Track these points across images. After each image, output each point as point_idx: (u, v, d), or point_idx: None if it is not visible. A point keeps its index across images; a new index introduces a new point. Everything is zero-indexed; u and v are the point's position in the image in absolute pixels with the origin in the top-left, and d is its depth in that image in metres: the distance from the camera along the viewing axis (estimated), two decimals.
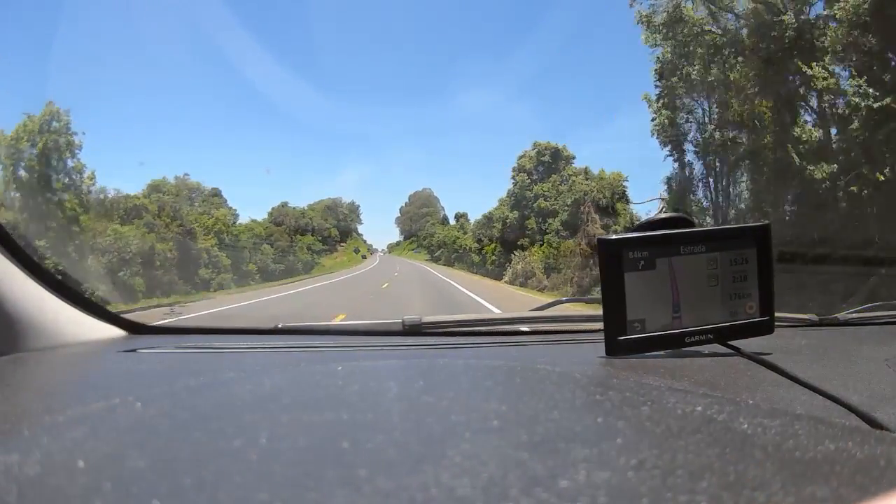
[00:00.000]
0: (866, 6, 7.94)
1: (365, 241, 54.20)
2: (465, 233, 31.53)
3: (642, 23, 11.75)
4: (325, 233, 46.49)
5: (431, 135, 46.81)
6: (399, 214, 59.45)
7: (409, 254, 53.90)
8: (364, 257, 49.07)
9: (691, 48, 11.41)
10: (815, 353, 0.93)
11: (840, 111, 9.02)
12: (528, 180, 23.36)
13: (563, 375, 0.57)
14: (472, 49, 47.29)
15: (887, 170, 7.95)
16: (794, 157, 8.95)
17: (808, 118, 9.88)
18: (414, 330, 1.11)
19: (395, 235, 50.74)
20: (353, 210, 61.49)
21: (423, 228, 52.35)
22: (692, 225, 0.82)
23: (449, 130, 46.09)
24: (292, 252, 35.34)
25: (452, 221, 40.66)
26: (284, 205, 36.74)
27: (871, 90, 7.84)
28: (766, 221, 0.85)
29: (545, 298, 6.64)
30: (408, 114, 47.96)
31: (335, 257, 48.12)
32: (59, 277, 1.00)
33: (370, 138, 49.92)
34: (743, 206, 12.10)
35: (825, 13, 9.06)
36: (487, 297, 12.09)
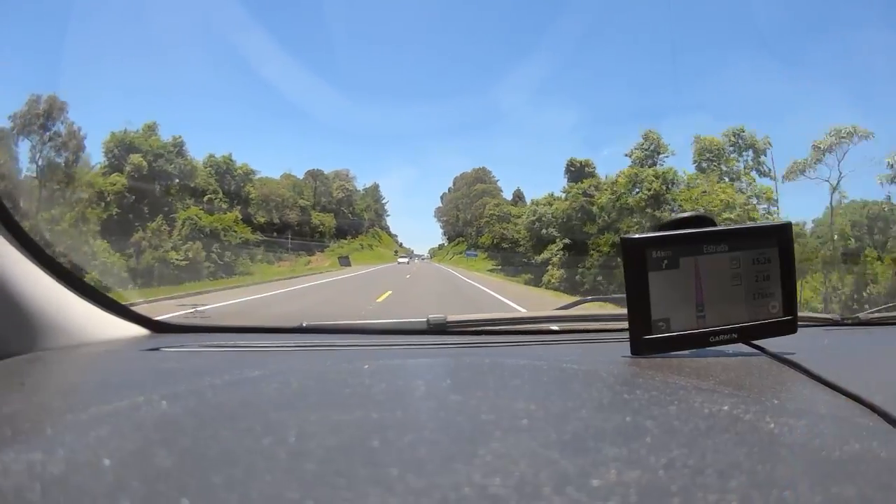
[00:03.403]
0: None
1: (400, 244, 43.55)
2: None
3: None
4: (286, 216, 23.36)
5: (474, 134, 46.54)
6: (440, 204, 43.86)
7: (456, 259, 36.05)
8: (347, 264, 26.98)
9: None
10: (837, 353, 0.94)
11: None
12: None
13: (589, 374, 0.58)
14: (512, 42, 43.69)
15: None
16: None
17: None
18: (439, 329, 1.11)
19: (439, 237, 42.87)
20: (372, 194, 39.63)
21: (478, 218, 32.41)
22: (714, 224, 0.81)
23: (492, 129, 43.28)
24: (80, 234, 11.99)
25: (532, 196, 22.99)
26: (150, 131, 16.30)
27: None
28: (788, 220, 0.85)
29: None
30: (447, 113, 46.83)
31: (306, 261, 24.62)
32: (80, 275, 0.98)
33: (409, 140, 48.88)
34: None
35: None
36: None
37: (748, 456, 0.33)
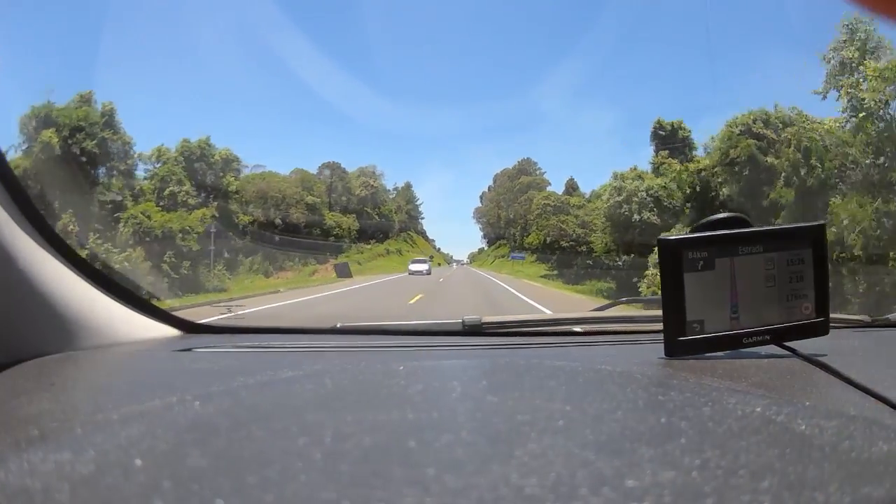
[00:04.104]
0: None
1: (437, 248, 40.96)
2: None
3: None
4: (290, 216, 18.33)
5: (513, 137, 44.71)
6: (479, 204, 40.54)
7: (498, 264, 31.40)
8: (346, 274, 20.89)
9: None
10: (867, 355, 0.94)
11: None
12: None
13: (624, 376, 0.58)
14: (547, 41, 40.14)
15: None
16: None
17: None
18: (474, 330, 1.11)
19: (479, 241, 41.41)
20: (404, 195, 35.00)
21: (524, 215, 27.83)
22: (749, 225, 0.81)
23: (531, 131, 42.56)
24: None
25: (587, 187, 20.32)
26: (83, 102, 12.15)
27: None
28: (822, 221, 0.85)
29: None
30: (485, 116, 45.78)
31: (312, 270, 18.91)
32: (111, 276, 0.97)
33: (447, 143, 46.94)
34: None
35: None
36: None
37: (780, 457, 0.34)
